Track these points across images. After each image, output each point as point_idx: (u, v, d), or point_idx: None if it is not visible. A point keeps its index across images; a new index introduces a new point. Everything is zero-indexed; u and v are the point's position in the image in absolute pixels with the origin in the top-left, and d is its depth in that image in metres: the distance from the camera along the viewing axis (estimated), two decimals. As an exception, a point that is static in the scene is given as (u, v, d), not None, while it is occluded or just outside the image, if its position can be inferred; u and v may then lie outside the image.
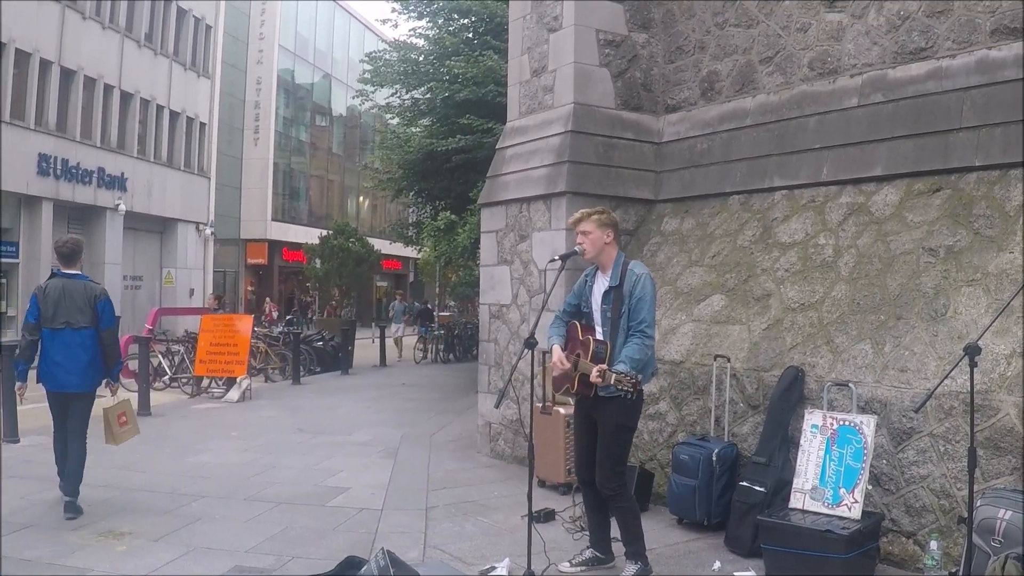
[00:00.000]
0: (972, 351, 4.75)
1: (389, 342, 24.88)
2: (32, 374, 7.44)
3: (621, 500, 5.82)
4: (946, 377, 5.10)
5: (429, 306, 32.39)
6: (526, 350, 5.66)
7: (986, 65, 6.96)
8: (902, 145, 7.41)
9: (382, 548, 5.07)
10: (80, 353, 7.30)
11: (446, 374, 21.13)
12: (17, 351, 7.70)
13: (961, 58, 7.17)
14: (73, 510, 7.22)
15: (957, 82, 7.13)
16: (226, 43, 41.16)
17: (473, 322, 28.70)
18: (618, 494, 5.79)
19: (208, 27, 38.14)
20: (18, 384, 7.51)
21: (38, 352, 7.33)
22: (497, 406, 6.88)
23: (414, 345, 25.88)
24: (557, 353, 5.82)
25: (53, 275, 7.59)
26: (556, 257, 6.13)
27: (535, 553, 5.67)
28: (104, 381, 7.63)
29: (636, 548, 5.81)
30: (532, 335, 5.68)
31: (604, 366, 5.43)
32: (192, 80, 36.88)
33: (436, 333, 26.08)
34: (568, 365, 5.74)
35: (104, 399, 7.77)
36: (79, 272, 7.57)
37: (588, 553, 6.05)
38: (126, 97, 31.75)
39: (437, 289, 41.69)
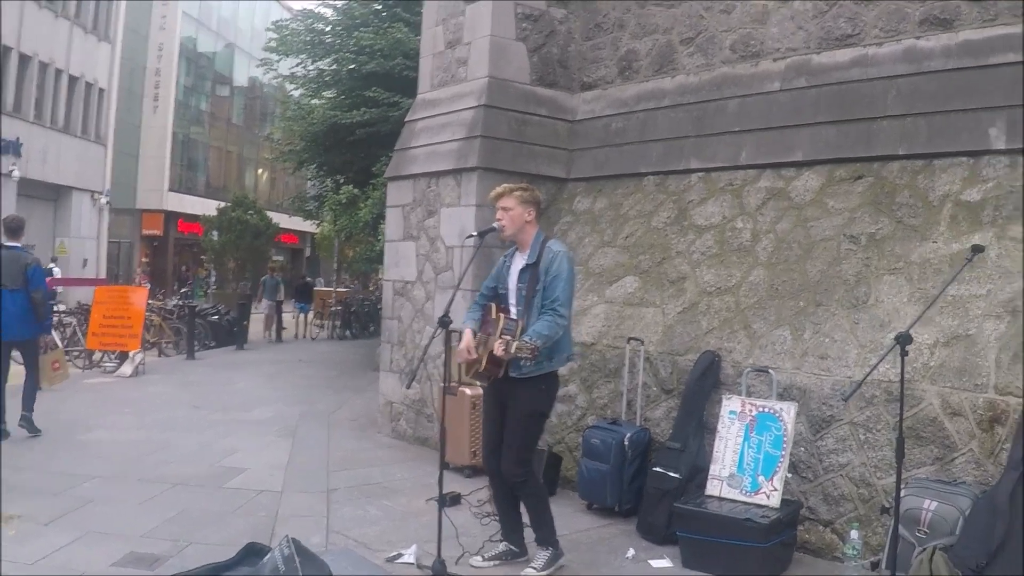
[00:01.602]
0: (903, 340, 4.61)
1: (287, 318, 24.11)
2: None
3: (527, 487, 5.55)
4: (876, 365, 4.98)
5: (308, 280, 30.42)
6: (439, 329, 5.35)
7: (913, 55, 6.89)
8: (824, 131, 7.31)
9: (286, 536, 4.69)
10: (13, 309, 8.90)
11: (343, 351, 20.56)
12: None
13: (888, 46, 7.09)
14: (27, 425, 9.09)
15: (883, 70, 7.05)
16: (129, 8, 39.32)
17: (370, 299, 28.14)
18: (524, 481, 5.51)
19: None
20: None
21: None
22: (408, 387, 6.58)
23: (300, 320, 25.01)
24: (467, 339, 5.52)
25: None
26: (474, 233, 5.82)
27: (445, 539, 5.37)
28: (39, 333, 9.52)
29: (545, 533, 5.57)
30: (446, 313, 5.37)
31: (508, 337, 5.15)
32: (92, 44, 35.09)
33: (316, 311, 25.46)
34: (474, 356, 5.45)
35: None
36: (18, 244, 9.22)
37: (502, 547, 5.74)
38: (24, 60, 29.96)
39: (335, 264, 40.82)
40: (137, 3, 41.39)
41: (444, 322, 5.34)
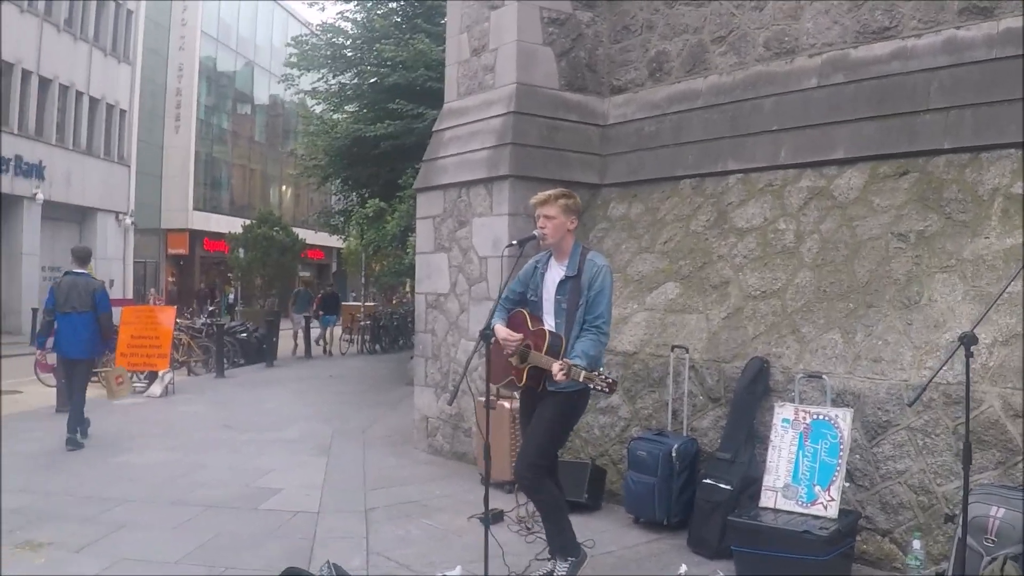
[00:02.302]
0: (969, 340, 4.42)
1: (294, 334, 23.64)
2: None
3: (539, 492, 5.33)
4: (942, 367, 4.78)
5: (334, 291, 28.77)
6: (482, 343, 5.20)
7: (954, 45, 6.70)
8: (865, 127, 7.13)
9: (327, 561, 4.61)
10: (82, 330, 9.85)
11: (374, 365, 20.48)
12: (38, 329, 10.89)
13: (927, 38, 6.91)
14: (73, 444, 9.69)
15: (923, 63, 6.86)
16: (147, 28, 39.67)
17: (399, 312, 27.97)
18: (536, 486, 5.30)
19: (129, 12, 36.63)
20: (39, 352, 10.60)
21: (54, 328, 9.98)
22: (451, 404, 6.45)
23: (327, 334, 24.53)
24: (503, 330, 5.36)
25: (65, 274, 10.28)
26: (513, 242, 5.63)
27: (490, 558, 5.21)
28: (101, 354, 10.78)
29: (562, 542, 5.35)
30: (488, 326, 5.23)
31: (568, 361, 4.99)
32: (112, 66, 35.37)
33: (345, 326, 25.14)
34: (519, 338, 5.29)
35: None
36: (85, 271, 10.28)
37: (550, 565, 5.48)
38: (44, 83, 30.25)
39: (363, 279, 40.73)
40: (156, 24, 41.65)
41: (486, 335, 5.19)
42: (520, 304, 5.60)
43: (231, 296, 39.85)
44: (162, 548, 6.20)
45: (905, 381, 5.65)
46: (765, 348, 6.59)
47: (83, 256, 10.51)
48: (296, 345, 22.80)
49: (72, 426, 9.78)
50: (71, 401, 10.02)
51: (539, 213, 5.45)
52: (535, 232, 5.47)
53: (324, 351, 23.10)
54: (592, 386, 4.88)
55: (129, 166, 37.14)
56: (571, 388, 5.18)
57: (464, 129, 9.61)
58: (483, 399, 7.55)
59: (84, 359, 10.09)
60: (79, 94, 32.56)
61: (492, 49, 9.48)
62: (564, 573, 5.29)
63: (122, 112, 36.35)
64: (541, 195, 5.52)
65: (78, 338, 9.85)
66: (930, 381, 4.76)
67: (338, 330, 24.74)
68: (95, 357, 10.33)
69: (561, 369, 4.90)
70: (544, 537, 5.74)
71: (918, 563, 5.05)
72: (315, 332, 23.65)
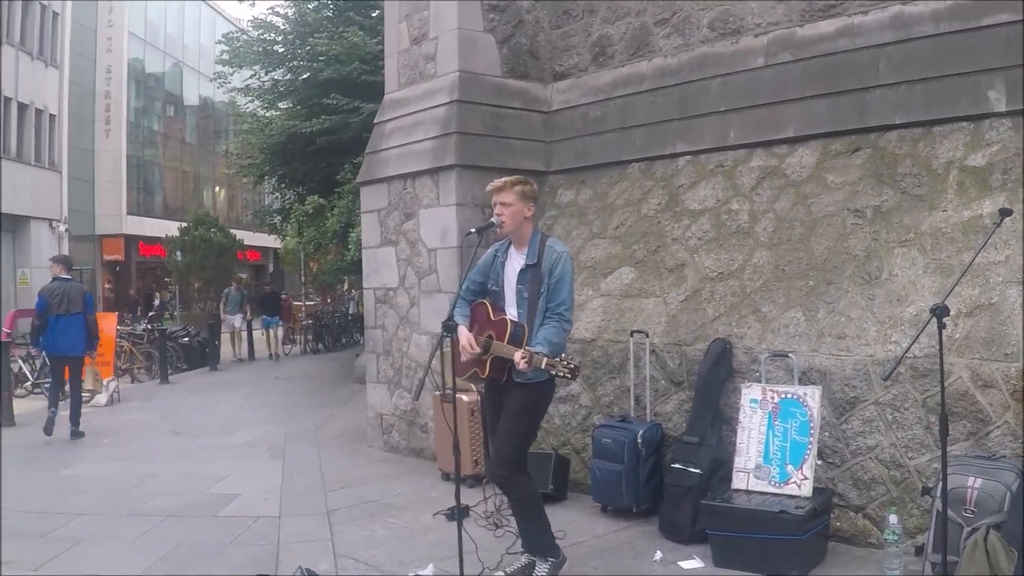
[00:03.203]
0: (940, 312, 4.42)
1: (231, 336, 22.50)
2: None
3: (516, 489, 5.22)
4: (916, 338, 4.76)
5: (274, 290, 26.36)
6: (446, 335, 5.06)
7: (901, 21, 6.71)
8: (815, 105, 7.13)
9: (300, 567, 4.43)
10: (76, 330, 10.85)
11: (319, 365, 20.15)
12: (31, 332, 11.47)
13: (874, 14, 6.91)
14: (76, 435, 10.73)
15: (871, 39, 6.87)
16: (74, 30, 38.24)
17: (340, 310, 27.56)
18: (513, 483, 5.19)
19: (55, 14, 35.23)
20: (35, 351, 12.73)
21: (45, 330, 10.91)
22: (416, 398, 6.31)
23: (269, 336, 23.22)
24: (465, 335, 5.23)
25: (53, 279, 11.22)
26: (472, 230, 5.46)
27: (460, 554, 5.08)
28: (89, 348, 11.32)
29: (540, 543, 5.25)
30: (451, 317, 5.09)
31: (529, 349, 4.88)
32: (40, 70, 33.99)
33: (287, 325, 24.47)
34: (478, 349, 5.17)
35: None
36: (71, 277, 11.37)
37: (524, 559, 5.38)
38: (-31, 89, 29.21)
39: (302, 278, 40.12)
40: (82, 26, 40.51)
41: (449, 327, 5.05)
42: (481, 294, 5.48)
43: (156, 301, 38.98)
44: (124, 561, 5.96)
45: (871, 356, 5.65)
46: (726, 329, 6.55)
47: (68, 263, 11.63)
48: (235, 348, 22.10)
49: (75, 419, 10.81)
50: (71, 396, 10.98)
51: (495, 200, 5.32)
52: (492, 220, 5.34)
53: (269, 355, 22.32)
54: (554, 372, 4.78)
55: (60, 172, 35.88)
56: (537, 379, 5.08)
57: (407, 120, 9.43)
58: (439, 394, 7.44)
59: (79, 355, 11.09)
60: (7, 100, 31.43)
61: (433, 38, 9.32)
62: (545, 574, 5.18)
63: (51, 117, 35.05)
64: (497, 182, 5.39)
65: (73, 337, 10.85)
66: (905, 353, 4.75)
67: (281, 331, 23.89)
68: (84, 354, 11.22)
69: (523, 357, 4.79)
70: (513, 531, 5.63)
71: (896, 537, 5.03)
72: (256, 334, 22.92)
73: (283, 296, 27.09)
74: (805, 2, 7.37)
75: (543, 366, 4.75)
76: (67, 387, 11.10)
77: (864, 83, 6.84)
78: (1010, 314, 5.24)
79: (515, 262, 5.36)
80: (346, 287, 24.02)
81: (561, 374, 4.76)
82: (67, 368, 11.07)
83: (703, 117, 7.91)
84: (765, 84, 7.50)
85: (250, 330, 22.26)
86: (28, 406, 13.78)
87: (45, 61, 34.63)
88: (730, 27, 7.91)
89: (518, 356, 4.82)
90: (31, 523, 6.93)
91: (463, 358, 5.28)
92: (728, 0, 7.91)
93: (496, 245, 5.54)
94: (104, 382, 14.25)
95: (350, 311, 26.88)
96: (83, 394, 11.96)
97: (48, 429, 10.75)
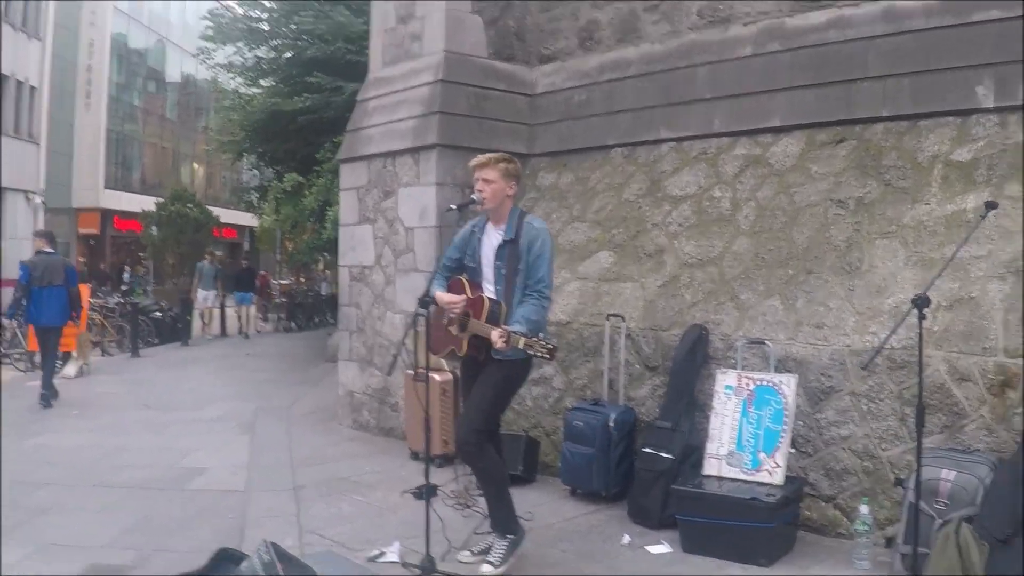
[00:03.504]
0: (921, 302, 4.38)
1: (223, 311, 22.14)
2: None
3: (482, 459, 5.10)
4: (896, 328, 4.71)
5: (250, 266, 25.68)
6: (421, 310, 4.96)
7: (892, 14, 6.66)
8: (802, 95, 7.07)
9: (264, 540, 4.31)
10: (56, 301, 11.19)
11: (292, 343, 20.00)
12: (12, 303, 11.72)
13: (865, 7, 6.86)
14: (45, 400, 11.02)
15: (861, 31, 6.81)
16: (58, 3, 37.77)
17: (315, 289, 27.33)
18: (478, 453, 5.07)
19: None
20: (16, 323, 13.18)
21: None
22: (389, 374, 6.21)
23: (243, 313, 22.60)
24: (445, 295, 5.13)
25: (37, 253, 11.57)
26: (453, 206, 5.35)
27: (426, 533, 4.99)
28: (73, 318, 11.68)
29: (502, 517, 5.15)
30: (427, 293, 5.00)
31: (507, 327, 4.79)
32: (23, 42, 33.39)
33: (262, 303, 24.09)
34: (462, 299, 5.08)
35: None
36: (54, 251, 11.73)
37: (491, 538, 5.27)
38: (-50, 58, 28.70)
39: (278, 257, 39.82)
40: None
41: (425, 302, 4.97)
42: (458, 271, 5.40)
43: (125, 275, 38.51)
44: (89, 532, 5.88)
45: (848, 347, 5.60)
46: (703, 315, 6.49)
47: (51, 236, 12.12)
48: (204, 324, 21.64)
49: (47, 383, 11.16)
50: (44, 363, 11.43)
51: (477, 176, 5.24)
52: (473, 196, 5.26)
53: (240, 331, 21.90)
54: (532, 353, 4.67)
55: (39, 144, 35.34)
56: (515, 357, 5.01)
57: (390, 98, 9.31)
58: (412, 372, 7.34)
59: (59, 326, 11.44)
60: (-11, 71, 31.02)
61: (420, 17, 9.20)
62: (502, 552, 5.08)
63: (32, 89, 34.50)
64: (481, 158, 5.31)
65: (54, 308, 11.19)
66: (884, 342, 4.72)
67: (254, 309, 23.30)
68: (65, 324, 11.57)
69: (501, 336, 4.70)
70: (481, 511, 5.55)
71: (866, 528, 5.00)
72: (229, 311, 22.44)
73: (261, 273, 26.70)
74: (796, -8, 7.32)
75: (521, 346, 4.65)
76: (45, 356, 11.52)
77: (852, 75, 6.78)
78: (990, 308, 5.21)
79: (492, 238, 5.28)
80: (321, 267, 23.77)
81: (539, 355, 4.66)
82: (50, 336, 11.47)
83: (689, 104, 7.84)
84: (752, 73, 7.43)
85: (222, 307, 21.99)
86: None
87: (28, 33, 34.14)
88: (719, 15, 7.85)
89: (495, 335, 4.73)
90: (-5, 492, 6.82)
91: (444, 320, 5.19)
92: (719, -12, 7.85)
93: (473, 221, 5.46)
94: (73, 353, 14.04)
95: (323, 292, 26.60)
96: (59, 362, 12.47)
97: (43, 397, 11.08)
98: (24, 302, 11.24)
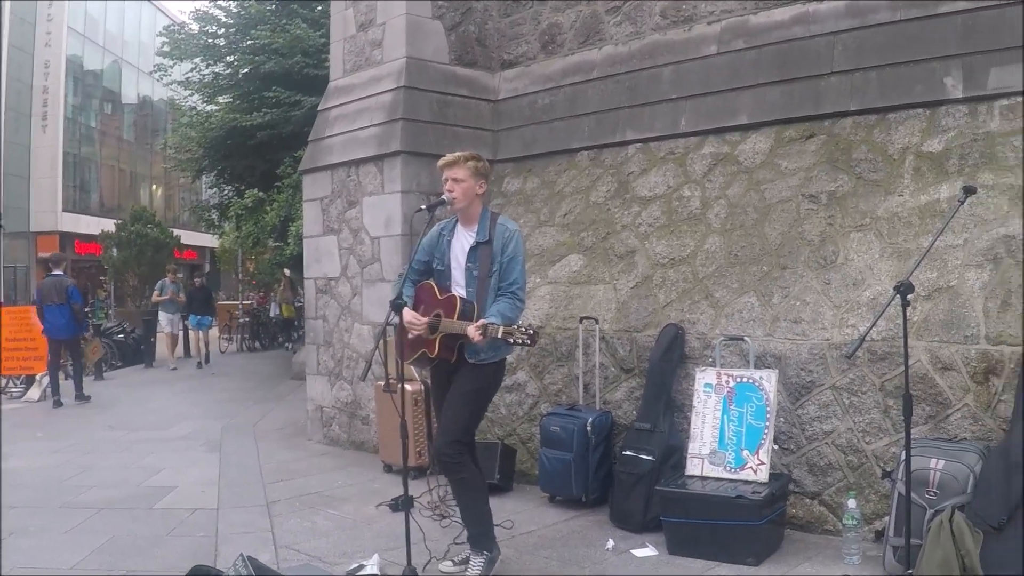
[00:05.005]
0: (905, 289, 4.31)
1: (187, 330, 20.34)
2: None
3: (460, 471, 4.96)
4: (880, 315, 4.62)
5: (204, 285, 21.62)
6: (393, 315, 4.83)
7: (857, 8, 6.65)
8: (768, 92, 7.04)
9: (241, 555, 4.17)
10: (61, 317, 12.69)
11: (256, 363, 19.65)
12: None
13: (829, 2, 6.85)
14: (82, 398, 13.04)
15: (826, 26, 6.80)
16: (12, 24, 37.26)
17: (264, 310, 26.75)
18: (457, 463, 4.93)
19: None
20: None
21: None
22: (363, 378, 6.08)
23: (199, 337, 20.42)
24: (409, 313, 4.98)
25: (47, 275, 13.40)
26: (423, 207, 5.23)
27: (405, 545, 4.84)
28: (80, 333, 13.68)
29: (480, 532, 5.02)
30: (400, 295, 4.88)
31: (484, 320, 4.68)
32: None
33: (223, 324, 23.52)
34: (425, 322, 4.95)
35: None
36: (61, 272, 13.47)
37: (468, 551, 5.13)
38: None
39: (238, 276, 39.24)
40: (21, 19, 39.43)
41: (397, 305, 4.83)
42: (426, 275, 5.26)
43: (90, 301, 37.81)
44: (56, 554, 5.65)
45: (827, 340, 5.54)
46: (678, 315, 6.41)
47: (57, 260, 14.11)
48: (171, 353, 19.20)
49: (78, 388, 13.08)
50: (74, 370, 13.64)
51: (446, 176, 5.12)
52: (443, 196, 5.14)
53: (201, 361, 19.30)
54: (512, 340, 4.57)
55: (-5, 167, 34.98)
56: (489, 359, 4.90)
57: (352, 107, 9.18)
58: (382, 383, 7.18)
59: (70, 338, 13.01)
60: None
61: (380, 23, 9.09)
62: (480, 567, 4.94)
63: (-13, 111, 34.21)
64: (449, 156, 5.19)
65: (59, 324, 12.67)
66: (869, 329, 4.67)
67: (214, 332, 21.59)
68: (78, 335, 13.37)
69: (477, 329, 4.59)
70: (459, 521, 5.39)
71: (855, 522, 4.92)
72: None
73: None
74: (759, -10, 7.29)
75: (499, 335, 4.55)
76: (69, 365, 13.90)
77: (819, 70, 6.76)
78: (969, 297, 5.18)
79: (463, 240, 5.16)
80: (281, 286, 23.01)
81: (520, 341, 4.55)
82: (65, 349, 13.22)
83: (654, 105, 7.78)
84: (718, 72, 7.40)
85: (186, 330, 21.12)
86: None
87: (-19, 55, 33.65)
88: (683, 15, 7.81)
89: (471, 329, 4.62)
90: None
91: (410, 335, 5.06)
92: (681, -13, 7.81)
93: (441, 223, 5.32)
94: (37, 377, 13.80)
95: (271, 313, 25.71)
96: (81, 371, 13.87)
97: (56, 402, 12.62)
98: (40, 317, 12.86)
